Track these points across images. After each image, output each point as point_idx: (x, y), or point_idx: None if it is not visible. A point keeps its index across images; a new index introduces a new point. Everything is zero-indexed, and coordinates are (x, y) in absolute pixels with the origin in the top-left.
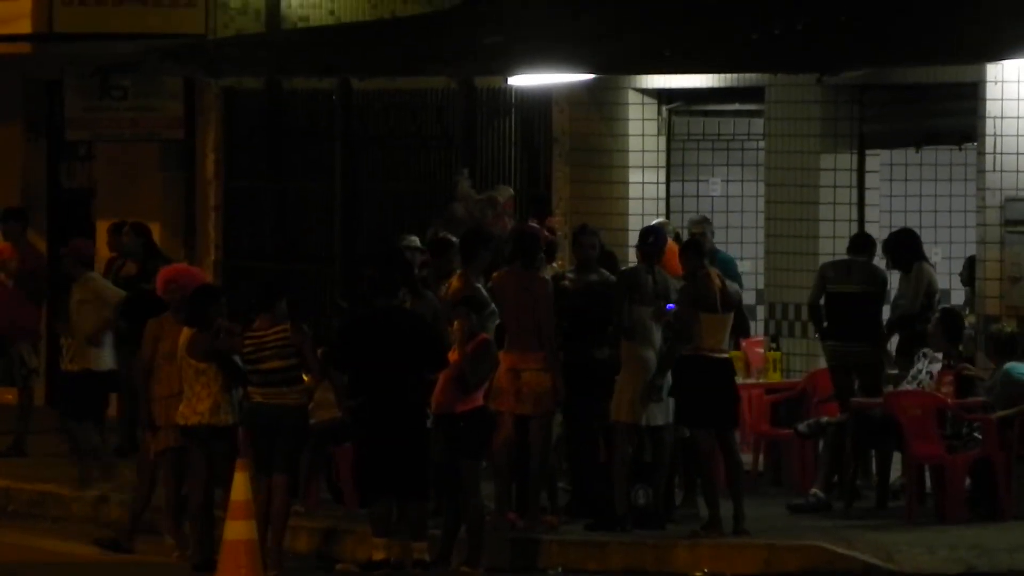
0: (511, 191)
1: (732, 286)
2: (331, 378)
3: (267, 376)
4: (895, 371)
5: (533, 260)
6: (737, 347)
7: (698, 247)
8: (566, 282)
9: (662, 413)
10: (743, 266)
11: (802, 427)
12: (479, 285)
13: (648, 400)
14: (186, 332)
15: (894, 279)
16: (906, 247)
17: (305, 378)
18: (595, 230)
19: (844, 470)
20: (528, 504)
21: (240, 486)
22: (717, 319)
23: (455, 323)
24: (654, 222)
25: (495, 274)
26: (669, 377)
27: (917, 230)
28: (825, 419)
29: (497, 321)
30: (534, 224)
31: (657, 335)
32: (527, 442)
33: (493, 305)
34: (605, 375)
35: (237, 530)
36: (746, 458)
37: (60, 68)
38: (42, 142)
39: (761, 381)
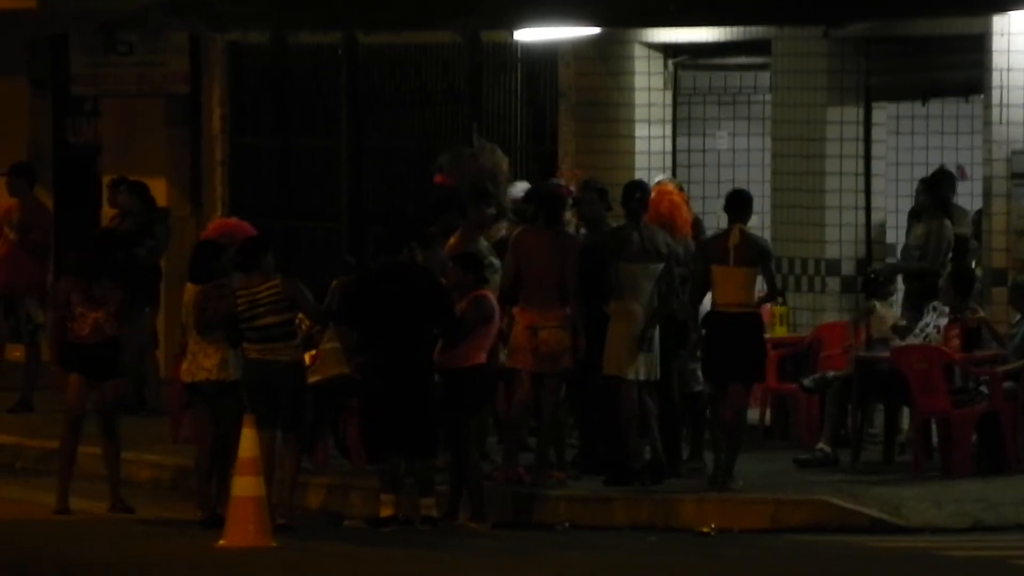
0: (500, 155)
1: (760, 242)
2: (339, 334)
3: (263, 332)
4: (903, 323)
5: (555, 218)
6: None
7: (742, 202)
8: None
9: (647, 368)
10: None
11: (807, 382)
12: (482, 240)
13: (639, 351)
14: (191, 289)
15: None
16: (936, 192)
17: (303, 325)
18: (597, 186)
19: (851, 424)
20: (536, 460)
21: (248, 443)
22: (727, 272)
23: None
24: (659, 177)
25: (516, 231)
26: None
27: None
28: (831, 373)
29: (496, 277)
30: (559, 181)
31: (647, 291)
32: (538, 398)
33: (494, 260)
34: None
35: (245, 486)
36: (754, 413)
37: (65, 23)
38: (48, 98)
39: (768, 336)
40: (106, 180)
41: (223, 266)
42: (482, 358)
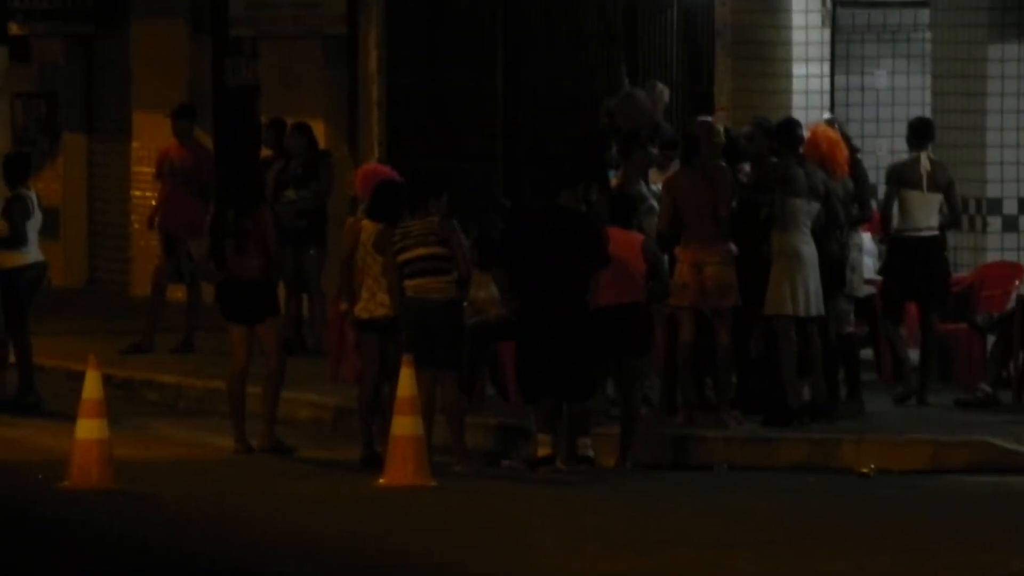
0: (664, 90)
1: (946, 167)
2: (495, 276)
3: (413, 265)
4: None
5: (695, 155)
6: None
7: (927, 129)
8: (742, 176)
9: (816, 305)
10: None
11: (980, 319)
12: (642, 182)
13: (801, 289)
14: (369, 227)
15: None
16: None
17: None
18: (765, 124)
19: (1013, 364)
20: (720, 398)
21: (406, 382)
22: (922, 196)
23: None
24: (824, 116)
25: (670, 174)
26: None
27: None
28: (998, 315)
29: (655, 219)
30: (707, 119)
31: (807, 228)
32: (698, 338)
33: (655, 204)
34: (767, 271)
35: (404, 426)
36: (914, 353)
37: None
38: (207, 39)
39: None
40: (264, 121)
41: (404, 206)
42: (636, 297)
